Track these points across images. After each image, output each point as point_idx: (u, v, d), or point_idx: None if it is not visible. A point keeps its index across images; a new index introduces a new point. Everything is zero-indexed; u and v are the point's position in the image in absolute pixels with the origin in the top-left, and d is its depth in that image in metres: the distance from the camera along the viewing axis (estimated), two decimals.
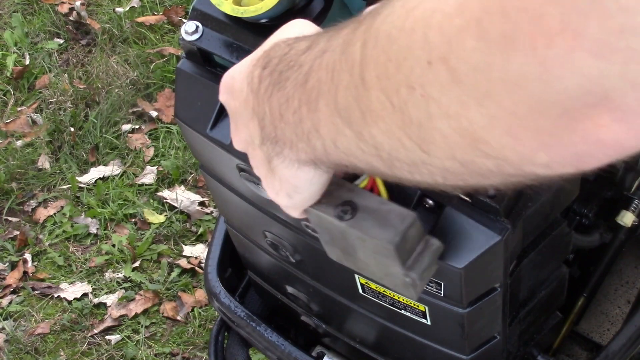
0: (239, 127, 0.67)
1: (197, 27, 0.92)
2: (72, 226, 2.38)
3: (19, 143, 2.57)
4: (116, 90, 2.63)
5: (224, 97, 0.67)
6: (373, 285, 0.95)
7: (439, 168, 0.50)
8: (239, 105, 0.64)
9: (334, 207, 0.70)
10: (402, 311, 0.96)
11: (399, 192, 0.81)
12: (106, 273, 2.28)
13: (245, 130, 0.65)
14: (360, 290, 0.99)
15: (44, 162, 2.52)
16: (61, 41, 2.83)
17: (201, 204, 2.36)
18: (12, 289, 2.28)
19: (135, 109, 2.61)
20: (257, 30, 0.88)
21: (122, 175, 2.47)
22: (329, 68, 0.53)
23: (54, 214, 2.42)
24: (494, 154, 0.46)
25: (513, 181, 0.49)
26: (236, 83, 0.65)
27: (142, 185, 2.45)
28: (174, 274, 2.24)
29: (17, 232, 2.39)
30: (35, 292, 2.27)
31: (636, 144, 0.43)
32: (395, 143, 0.50)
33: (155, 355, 2.11)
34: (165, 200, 2.38)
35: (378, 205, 0.69)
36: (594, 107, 0.41)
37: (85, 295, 2.25)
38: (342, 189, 0.72)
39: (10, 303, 2.26)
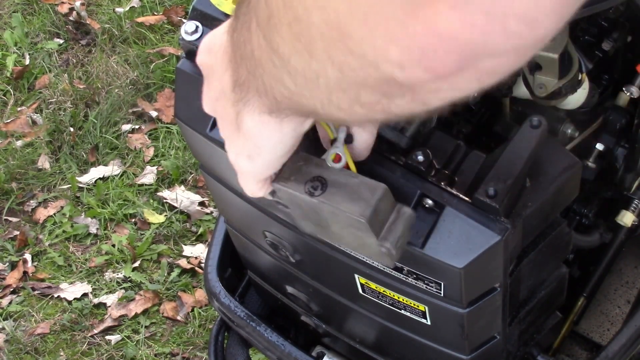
0: (211, 84, 0.68)
1: (197, 27, 0.92)
2: (72, 226, 2.38)
3: (19, 143, 2.57)
4: (116, 90, 2.63)
5: (201, 57, 0.69)
6: (373, 285, 0.95)
7: (327, 77, 0.52)
8: (216, 59, 0.67)
9: (303, 184, 0.70)
10: (402, 311, 0.96)
11: (399, 194, 0.81)
12: (106, 273, 2.28)
13: (218, 84, 0.67)
14: (360, 290, 0.99)
15: (44, 162, 2.52)
16: (61, 41, 2.83)
17: (201, 204, 2.36)
18: (12, 289, 2.28)
19: (135, 109, 2.61)
20: None
21: (122, 175, 2.47)
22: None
23: (54, 214, 2.42)
24: (357, 50, 0.49)
25: (394, 102, 0.52)
26: (217, 39, 0.67)
27: (142, 185, 2.45)
28: (174, 274, 2.24)
29: (17, 232, 2.39)
30: (35, 292, 2.27)
31: (470, 37, 0.45)
32: (291, 49, 0.53)
33: (155, 355, 2.11)
34: (165, 200, 2.38)
35: (347, 179, 0.70)
36: None
37: (85, 295, 2.25)
38: (310, 164, 0.72)
39: (10, 303, 2.25)
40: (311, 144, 0.76)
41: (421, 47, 0.46)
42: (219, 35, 0.67)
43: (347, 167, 0.74)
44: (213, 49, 0.67)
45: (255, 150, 0.67)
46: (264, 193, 0.73)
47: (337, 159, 0.74)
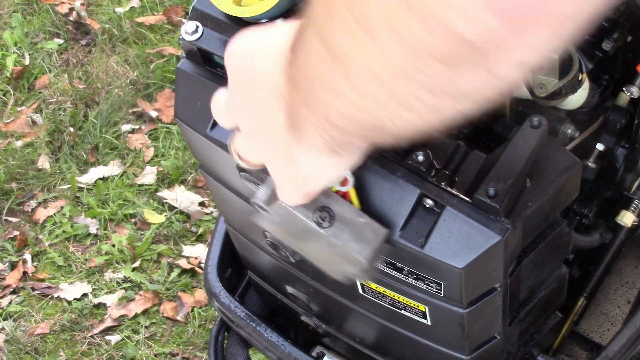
0: (246, 97, 0.66)
1: (197, 27, 0.92)
2: (72, 226, 2.38)
3: (18, 143, 2.57)
4: (116, 90, 2.63)
5: (234, 62, 0.66)
6: (373, 286, 0.95)
7: (389, 64, 0.49)
8: (261, 82, 0.63)
9: (312, 211, 0.74)
10: (402, 311, 0.96)
11: (399, 194, 0.81)
12: (106, 273, 2.28)
13: (264, 114, 0.64)
14: (360, 290, 0.99)
15: (44, 162, 2.52)
16: (61, 41, 2.83)
17: (201, 204, 2.36)
18: (12, 289, 2.28)
19: (135, 109, 2.61)
20: None
21: (122, 176, 2.47)
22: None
23: (54, 214, 2.42)
24: (417, 4, 0.45)
25: (463, 76, 0.48)
26: (261, 63, 0.63)
27: (142, 185, 2.45)
28: (173, 274, 2.24)
29: (17, 232, 2.39)
30: (35, 292, 2.27)
31: None
32: (349, 38, 0.50)
33: (155, 355, 2.10)
34: (165, 201, 2.38)
35: (353, 216, 0.75)
36: None
37: (85, 295, 2.24)
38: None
39: (10, 303, 2.25)
40: None
41: None
42: (265, 60, 0.63)
43: (350, 199, 0.78)
44: (247, 58, 0.64)
45: (303, 181, 0.67)
46: (303, 202, 0.73)
47: (345, 182, 0.77)
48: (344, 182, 0.77)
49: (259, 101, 0.65)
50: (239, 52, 0.66)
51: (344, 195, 0.77)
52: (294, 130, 0.62)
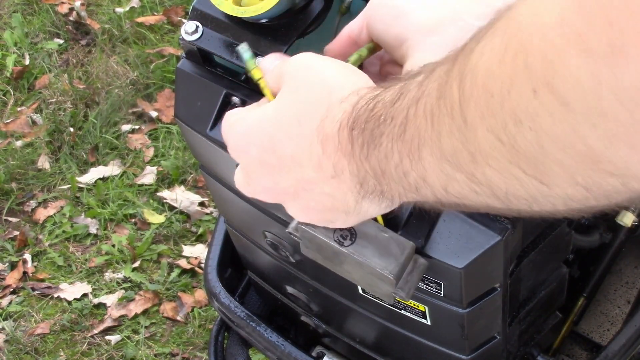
0: (304, 194, 0.64)
1: (197, 27, 0.92)
2: (72, 226, 2.38)
3: (18, 143, 2.57)
4: (116, 90, 2.63)
5: (235, 142, 0.65)
6: None
7: (560, 197, 0.47)
8: (312, 170, 0.61)
9: (332, 231, 0.72)
10: (402, 311, 0.96)
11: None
12: (106, 273, 2.28)
13: (327, 199, 0.63)
14: (360, 290, 0.99)
15: (44, 162, 2.52)
16: (61, 41, 2.83)
17: (201, 204, 2.36)
18: (12, 289, 2.28)
19: (135, 109, 2.61)
20: (257, 30, 0.87)
21: (122, 176, 2.47)
22: (427, 115, 0.50)
23: (54, 214, 2.42)
24: (619, 172, 0.43)
25: None
26: (285, 147, 0.61)
27: (142, 185, 2.45)
28: (173, 274, 2.24)
29: (17, 232, 2.39)
30: (35, 293, 2.27)
31: None
32: (511, 180, 0.47)
33: (155, 355, 2.10)
34: (165, 201, 2.38)
35: (377, 232, 0.72)
36: None
37: (85, 295, 2.25)
38: None
39: (10, 303, 2.25)
40: None
41: None
42: (291, 144, 0.61)
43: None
44: (276, 153, 0.62)
45: (344, 214, 0.65)
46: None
47: None
48: None
49: (272, 168, 0.63)
50: (237, 131, 0.65)
51: None
52: (374, 196, 0.60)
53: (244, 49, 0.72)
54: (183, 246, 2.29)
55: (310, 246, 0.75)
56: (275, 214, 0.97)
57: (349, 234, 0.72)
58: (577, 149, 0.42)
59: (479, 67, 0.46)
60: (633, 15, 0.36)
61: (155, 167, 2.47)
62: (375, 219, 0.74)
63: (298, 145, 0.61)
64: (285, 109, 0.62)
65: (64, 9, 2.89)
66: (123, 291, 2.23)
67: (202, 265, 2.02)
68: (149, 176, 2.46)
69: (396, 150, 0.53)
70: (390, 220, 0.78)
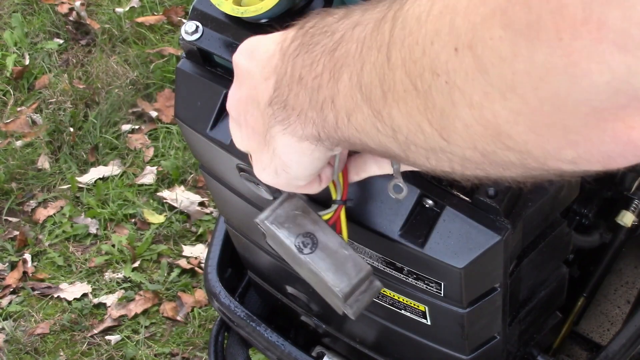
0: (243, 87, 0.65)
1: (197, 27, 0.92)
2: (71, 226, 2.38)
3: (18, 143, 2.57)
4: (116, 90, 2.63)
5: (240, 57, 0.66)
6: None
7: (458, 156, 0.49)
8: (256, 64, 0.63)
9: (295, 236, 0.72)
10: (402, 311, 0.96)
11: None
12: (106, 273, 2.28)
13: (251, 91, 0.64)
14: None
15: (44, 162, 2.52)
16: (61, 41, 2.83)
17: (201, 204, 2.36)
18: (11, 289, 2.28)
19: (135, 109, 2.61)
20: (257, 30, 0.87)
21: (122, 176, 2.47)
22: (359, 41, 0.52)
23: (54, 214, 2.42)
24: (517, 148, 0.45)
25: (535, 175, 0.48)
26: (261, 45, 0.64)
27: (142, 185, 2.45)
28: (173, 274, 2.24)
29: (17, 232, 2.39)
30: (35, 293, 2.27)
31: None
32: (415, 127, 0.49)
33: (155, 355, 2.10)
34: (165, 201, 2.38)
35: (338, 248, 0.73)
36: (624, 108, 0.40)
37: (85, 295, 2.24)
38: (307, 218, 0.74)
39: (10, 303, 2.25)
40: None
41: (607, 153, 0.43)
42: (267, 43, 0.64)
43: (340, 230, 0.76)
44: (256, 54, 0.64)
45: (282, 167, 0.65)
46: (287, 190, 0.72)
47: (333, 218, 0.76)
48: (337, 209, 0.75)
49: (249, 76, 0.64)
50: (245, 48, 0.66)
51: (335, 224, 0.76)
52: (278, 106, 0.60)
53: None
54: (183, 246, 2.29)
55: (274, 242, 0.75)
56: None
57: (311, 243, 0.72)
58: (483, 114, 0.44)
59: (410, 14, 0.48)
60: (549, 4, 0.39)
61: (155, 167, 2.47)
62: (341, 236, 0.75)
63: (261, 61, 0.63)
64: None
65: (64, 8, 2.89)
66: (123, 291, 2.23)
67: (202, 265, 2.02)
68: (149, 176, 2.45)
69: (322, 62, 0.55)
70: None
